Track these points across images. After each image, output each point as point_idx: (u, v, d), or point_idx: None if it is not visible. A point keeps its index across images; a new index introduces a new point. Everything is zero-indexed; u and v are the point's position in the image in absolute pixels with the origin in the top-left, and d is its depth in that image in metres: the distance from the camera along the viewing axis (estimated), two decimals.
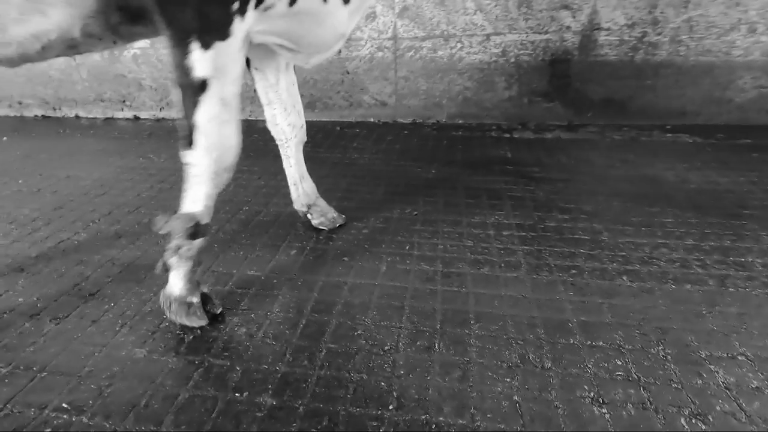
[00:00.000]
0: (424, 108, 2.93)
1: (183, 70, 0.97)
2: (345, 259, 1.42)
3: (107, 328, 1.14)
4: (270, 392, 0.94)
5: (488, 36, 2.67)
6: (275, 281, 1.32)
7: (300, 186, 1.56)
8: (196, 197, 1.09)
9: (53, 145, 2.72)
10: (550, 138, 2.54)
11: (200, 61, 0.95)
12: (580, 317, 1.13)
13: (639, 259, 1.37)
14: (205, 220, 1.11)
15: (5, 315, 1.20)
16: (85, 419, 0.89)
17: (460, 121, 2.91)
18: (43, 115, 3.44)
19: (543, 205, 1.73)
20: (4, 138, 2.90)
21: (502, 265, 1.36)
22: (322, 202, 1.61)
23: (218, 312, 1.17)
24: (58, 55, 1.24)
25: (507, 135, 2.62)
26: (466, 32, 2.69)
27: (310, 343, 1.07)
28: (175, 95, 1.02)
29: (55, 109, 3.42)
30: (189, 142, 1.03)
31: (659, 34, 2.51)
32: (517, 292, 1.24)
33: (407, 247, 1.47)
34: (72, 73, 3.25)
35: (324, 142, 2.61)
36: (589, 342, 1.05)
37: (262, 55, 1.37)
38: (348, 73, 2.93)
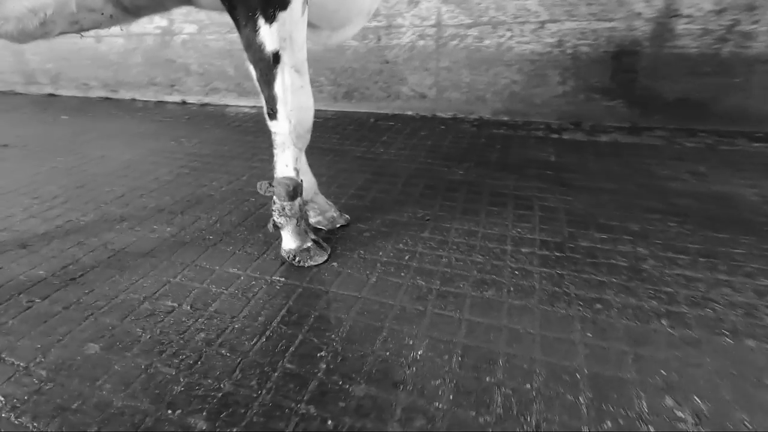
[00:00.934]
0: (466, 102, 2.70)
1: (255, 47, 1.04)
2: (334, 264, 1.28)
3: (72, 317, 1.10)
4: (204, 414, 0.83)
5: (543, 23, 2.38)
6: (253, 282, 1.21)
7: None
8: (287, 161, 1.21)
9: (102, 126, 2.86)
10: (604, 141, 2.21)
11: (268, 35, 1.02)
12: (593, 368, 0.91)
13: (688, 298, 1.09)
14: (299, 180, 1.24)
15: None
16: (13, 417, 0.84)
17: (505, 118, 2.65)
18: (105, 97, 3.66)
19: (578, 220, 1.47)
20: (65, 116, 3.10)
21: (512, 289, 1.15)
22: (320, 199, 1.48)
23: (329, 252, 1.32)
24: (63, 32, 1.23)
25: (555, 135, 2.33)
26: (517, 19, 2.42)
27: (265, 360, 0.95)
28: (252, 72, 1.14)
29: (114, 91, 3.62)
30: (272, 113, 1.13)
31: (756, 22, 2.08)
32: (521, 326, 1.03)
33: (407, 257, 1.30)
34: (128, 57, 3.40)
35: (353, 135, 2.49)
36: (598, 404, 0.83)
37: None
38: (387, 62, 2.77)
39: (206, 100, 3.36)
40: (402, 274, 1.23)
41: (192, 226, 1.52)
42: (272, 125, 1.17)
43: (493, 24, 2.47)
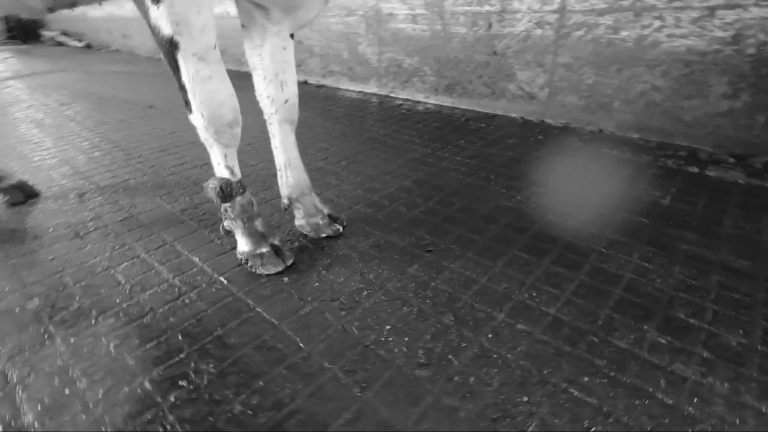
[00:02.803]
0: (585, 109, 2.14)
1: (153, 31, 0.94)
2: (285, 279, 1.12)
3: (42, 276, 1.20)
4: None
5: (712, 10, 1.69)
6: (199, 277, 1.14)
7: (285, 173, 1.30)
8: (217, 159, 1.09)
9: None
10: None
11: (159, 18, 0.90)
12: None
13: None
14: (233, 180, 1.11)
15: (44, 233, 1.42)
16: None
17: (634, 135, 2.01)
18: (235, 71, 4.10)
19: (658, 311, 0.98)
20: None
21: (450, 392, 0.81)
22: (308, 201, 1.31)
23: (289, 264, 1.17)
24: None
25: (695, 169, 1.65)
26: (672, 3, 1.77)
27: (125, 374, 0.87)
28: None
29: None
30: (186, 106, 1.01)
31: None
32: None
33: (365, 294, 1.05)
34: None
35: (431, 133, 2.22)
36: None
37: (248, 9, 1.14)
38: (495, 53, 2.37)
39: (323, 81, 3.46)
40: (341, 314, 1.00)
41: (205, 206, 1.54)
42: (190, 119, 1.03)
43: (637, 10, 1.85)
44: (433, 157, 1.91)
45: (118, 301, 1.07)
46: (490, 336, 0.91)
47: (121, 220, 1.46)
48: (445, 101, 2.71)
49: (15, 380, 0.86)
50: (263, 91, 1.21)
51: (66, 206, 1.57)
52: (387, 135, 2.21)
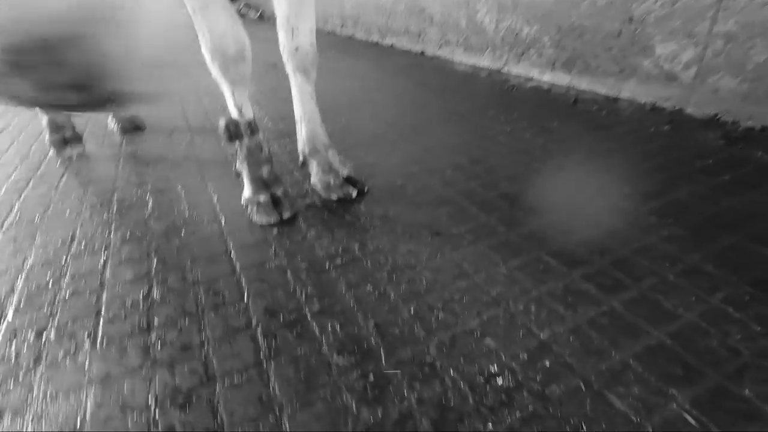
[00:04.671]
0: (745, 98, 1.58)
1: None
2: (273, 231, 1.07)
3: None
4: None
5: None
6: (196, 216, 1.17)
7: (300, 126, 1.23)
8: (227, 100, 1.08)
9: (345, 64, 3.27)
10: None
11: None
12: None
13: None
14: (242, 120, 1.08)
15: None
16: None
17: None
18: (375, 42, 4.13)
19: (707, 383, 0.67)
20: (331, 53, 3.71)
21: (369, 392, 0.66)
22: (323, 158, 1.22)
23: (285, 217, 1.13)
24: None
25: None
26: None
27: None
28: None
29: (383, 37, 4.02)
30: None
31: None
32: None
33: (330, 264, 0.94)
34: (397, 5, 3.65)
35: (522, 112, 1.91)
36: None
37: None
38: (631, 20, 1.90)
39: (438, 52, 3.28)
40: (301, 276, 0.91)
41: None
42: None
43: None
44: (508, 136, 1.63)
45: (102, 220, 1.16)
46: (430, 350, 0.72)
47: (185, 156, 1.59)
48: (561, 78, 2.30)
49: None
50: (280, 37, 1.15)
51: (163, 139, 1.79)
52: (472, 110, 1.98)
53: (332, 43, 4.31)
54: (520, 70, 2.58)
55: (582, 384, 0.64)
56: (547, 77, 2.39)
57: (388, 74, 2.82)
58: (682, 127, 1.62)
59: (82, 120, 1.71)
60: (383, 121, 1.86)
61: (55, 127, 1.64)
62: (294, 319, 0.80)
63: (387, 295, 0.85)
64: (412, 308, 0.81)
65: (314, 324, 0.78)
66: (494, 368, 0.67)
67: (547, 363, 0.68)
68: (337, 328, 0.77)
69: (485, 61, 2.83)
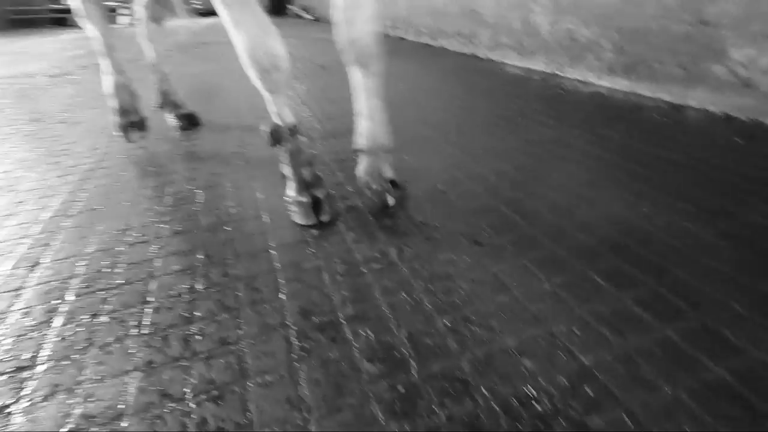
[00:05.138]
0: None
1: None
2: (313, 232, 1.08)
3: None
4: None
5: None
6: (237, 212, 1.21)
7: (358, 121, 1.22)
8: (267, 106, 1.10)
9: (395, 64, 3.27)
10: None
11: None
12: None
13: None
14: (281, 125, 1.10)
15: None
16: None
17: None
18: (426, 44, 4.10)
19: None
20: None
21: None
22: (375, 161, 1.20)
23: (324, 220, 1.13)
24: None
25: None
26: None
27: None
28: None
29: (434, 39, 3.98)
30: None
31: None
32: None
33: (365, 267, 0.93)
34: (449, 6, 3.61)
35: (574, 119, 1.82)
36: None
37: None
38: (703, 22, 1.76)
39: (490, 55, 3.20)
40: (337, 278, 0.91)
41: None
42: None
43: None
44: (559, 144, 1.56)
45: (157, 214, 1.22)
46: (463, 366, 0.70)
47: (233, 152, 1.66)
48: (621, 84, 2.17)
49: None
50: (337, 33, 1.15)
51: (215, 136, 1.87)
52: (522, 115, 1.91)
53: (382, 44, 4.32)
54: (575, 74, 2.47)
55: (626, 417, 0.59)
56: (604, 82, 2.27)
57: (437, 76, 2.80)
58: (758, 140, 1.48)
59: (145, 114, 1.83)
60: (429, 124, 1.84)
61: (123, 112, 1.77)
62: (327, 322, 0.80)
63: (422, 304, 0.83)
64: (447, 320, 0.78)
65: (347, 328, 0.78)
66: (531, 391, 0.64)
67: (589, 391, 0.63)
68: (370, 334, 0.77)
69: (538, 65, 2.74)
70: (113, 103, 1.77)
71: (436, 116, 1.95)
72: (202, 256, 1.02)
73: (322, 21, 7.96)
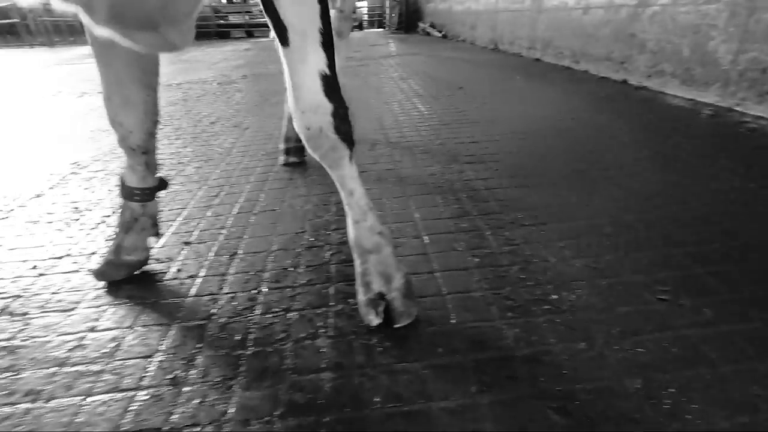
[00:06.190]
0: None
1: None
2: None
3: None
4: None
5: None
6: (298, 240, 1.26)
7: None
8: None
9: (531, 87, 3.18)
10: None
11: None
12: None
13: None
14: (126, 184, 1.10)
15: None
16: None
17: None
18: (567, 66, 3.91)
19: None
20: (518, 77, 3.64)
21: None
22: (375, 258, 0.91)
23: None
24: None
25: None
26: None
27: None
28: None
29: (576, 62, 3.78)
30: None
31: None
32: None
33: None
34: (600, 28, 3.39)
35: (764, 165, 1.57)
36: None
37: None
38: None
39: (645, 83, 2.93)
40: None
41: (449, 175, 1.64)
42: None
43: None
44: (748, 194, 1.36)
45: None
46: None
47: (387, 170, 1.75)
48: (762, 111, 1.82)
49: None
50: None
51: (366, 151, 2.01)
52: (695, 155, 1.71)
53: (517, 65, 4.24)
54: (761, 111, 2.14)
55: None
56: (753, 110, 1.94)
57: (584, 103, 2.65)
58: None
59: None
60: (582, 157, 1.74)
61: (285, 139, 1.92)
62: (502, 358, 0.80)
63: (605, 357, 0.78)
64: (638, 382, 0.73)
65: (524, 369, 0.77)
66: None
67: None
68: (550, 381, 0.75)
69: (709, 97, 2.44)
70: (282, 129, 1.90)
71: (589, 148, 1.85)
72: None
73: (450, 37, 8.08)
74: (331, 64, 0.81)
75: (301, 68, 0.79)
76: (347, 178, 0.90)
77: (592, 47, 3.52)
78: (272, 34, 0.84)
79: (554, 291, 0.97)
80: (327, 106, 0.82)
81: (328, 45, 0.80)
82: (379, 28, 14.04)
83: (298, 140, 1.85)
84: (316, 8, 0.78)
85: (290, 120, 1.83)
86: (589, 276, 1.02)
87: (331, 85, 0.82)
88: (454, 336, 0.86)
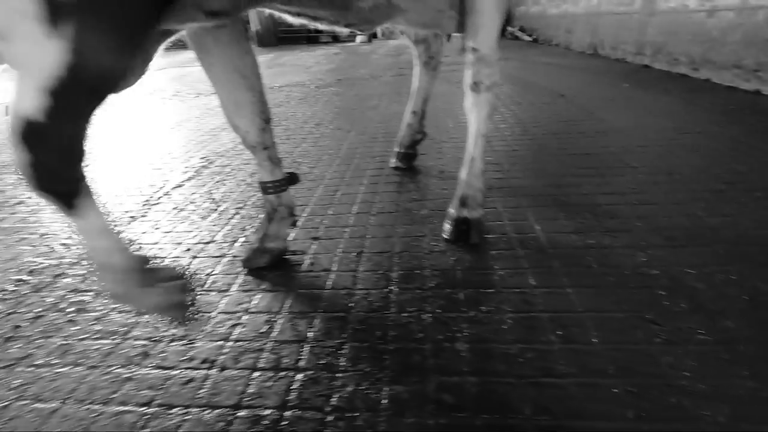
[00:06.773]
0: None
1: None
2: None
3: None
4: None
5: None
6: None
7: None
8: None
9: (631, 96, 2.96)
10: None
11: None
12: None
13: None
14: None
15: None
16: None
17: None
18: (683, 74, 3.58)
19: None
20: (626, 84, 3.41)
21: None
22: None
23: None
24: None
25: None
26: None
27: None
28: None
29: (695, 70, 3.45)
30: None
31: None
32: None
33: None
34: (729, 33, 3.07)
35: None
36: None
37: None
38: None
39: None
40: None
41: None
42: None
43: None
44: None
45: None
46: None
47: (497, 179, 1.74)
48: None
49: None
50: None
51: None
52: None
53: (622, 72, 3.98)
54: None
55: None
56: None
57: (709, 114, 2.42)
58: None
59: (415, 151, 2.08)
60: (719, 176, 1.60)
61: (399, 144, 1.92)
62: (659, 386, 0.77)
63: None
64: None
65: (688, 401, 0.73)
66: None
67: None
68: (716, 417, 0.70)
69: None
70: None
71: (723, 166, 1.69)
72: (497, 276, 1.10)
73: (541, 42, 7.78)
74: None
75: None
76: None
77: (717, 53, 3.19)
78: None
79: (706, 319, 0.91)
80: None
81: None
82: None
83: (409, 147, 1.91)
84: None
85: (407, 126, 1.89)
86: (746, 307, 0.94)
87: None
88: (599, 356, 0.84)
